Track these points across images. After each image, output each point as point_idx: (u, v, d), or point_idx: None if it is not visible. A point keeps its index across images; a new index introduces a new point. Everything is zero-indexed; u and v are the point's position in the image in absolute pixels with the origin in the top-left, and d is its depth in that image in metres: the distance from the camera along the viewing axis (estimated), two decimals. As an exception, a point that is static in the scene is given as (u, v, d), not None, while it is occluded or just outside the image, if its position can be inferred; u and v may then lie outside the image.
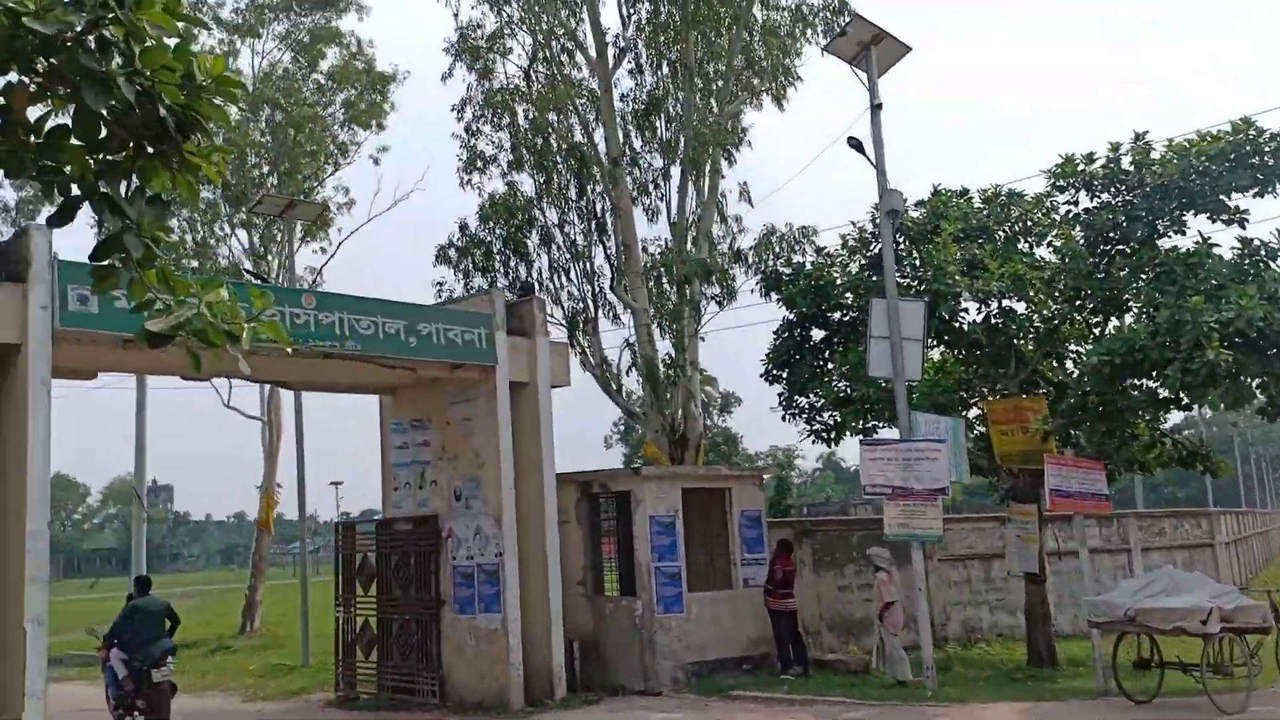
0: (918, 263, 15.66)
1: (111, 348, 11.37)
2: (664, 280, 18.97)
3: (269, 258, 28.36)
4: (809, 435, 16.75)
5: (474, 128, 20.60)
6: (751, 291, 17.99)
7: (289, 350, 4.62)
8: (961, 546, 19.57)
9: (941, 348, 16.57)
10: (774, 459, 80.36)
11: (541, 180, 19.66)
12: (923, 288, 15.18)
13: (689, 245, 19.19)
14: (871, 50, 13.79)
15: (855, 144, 13.31)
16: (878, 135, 13.74)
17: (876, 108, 13.69)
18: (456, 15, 20.69)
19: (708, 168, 19.23)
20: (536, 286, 18.54)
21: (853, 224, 16.85)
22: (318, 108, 29.47)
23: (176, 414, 65.89)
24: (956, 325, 15.46)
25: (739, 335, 27.28)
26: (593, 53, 20.40)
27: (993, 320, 15.45)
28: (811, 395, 16.55)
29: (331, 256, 29.88)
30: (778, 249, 18.35)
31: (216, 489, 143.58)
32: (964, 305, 15.33)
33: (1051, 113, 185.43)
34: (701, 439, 19.30)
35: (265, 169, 28.75)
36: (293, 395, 20.76)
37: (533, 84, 20.65)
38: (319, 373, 14.11)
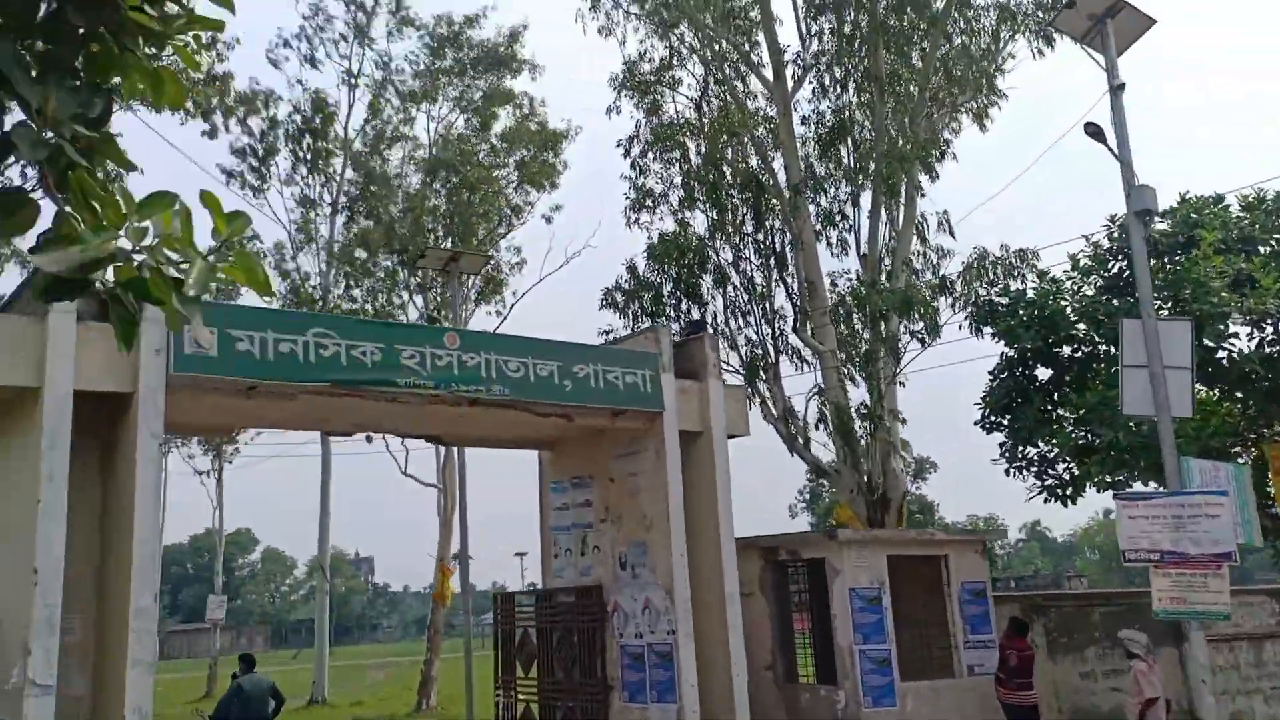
0: (1168, 280, 13.03)
1: (233, 396, 10.16)
2: (854, 319, 16.72)
3: (444, 321, 27.84)
4: (1040, 491, 14.09)
5: (641, 164, 19.19)
6: (960, 328, 15.59)
7: (267, 294, 2.90)
8: (1226, 625, 16.46)
9: (1201, 386, 13.76)
10: (974, 528, 75.15)
11: (715, 215, 17.86)
12: (1177, 309, 12.54)
13: (882, 278, 16.91)
14: (1107, 24, 11.45)
15: (1094, 130, 10.89)
16: (1120, 123, 11.27)
17: (1117, 89, 11.24)
18: (623, 44, 19.46)
19: (903, 188, 16.98)
20: (711, 330, 16.62)
21: (1085, 239, 14.26)
22: (492, 169, 29.08)
23: (372, 484, 67.19)
24: (1221, 356, 12.74)
25: (930, 389, 24.30)
26: (769, 74, 18.69)
27: (1267, 348, 12.65)
28: (1041, 444, 13.95)
29: (505, 318, 29.22)
30: (991, 275, 15.75)
31: (413, 560, 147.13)
32: (1232, 331, 12.63)
33: (1265, 98, 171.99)
34: (905, 498, 16.76)
35: (440, 232, 28.45)
36: (456, 458, 19.60)
37: (704, 115, 19.09)
38: (468, 424, 12.60)
